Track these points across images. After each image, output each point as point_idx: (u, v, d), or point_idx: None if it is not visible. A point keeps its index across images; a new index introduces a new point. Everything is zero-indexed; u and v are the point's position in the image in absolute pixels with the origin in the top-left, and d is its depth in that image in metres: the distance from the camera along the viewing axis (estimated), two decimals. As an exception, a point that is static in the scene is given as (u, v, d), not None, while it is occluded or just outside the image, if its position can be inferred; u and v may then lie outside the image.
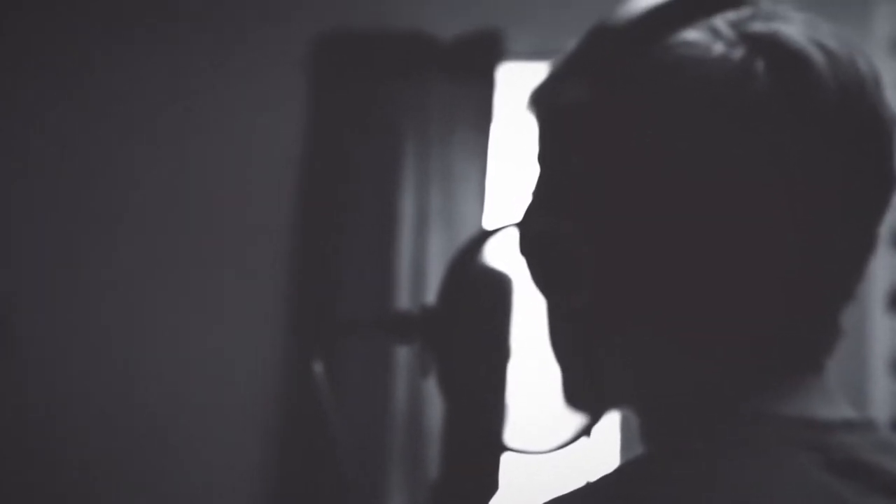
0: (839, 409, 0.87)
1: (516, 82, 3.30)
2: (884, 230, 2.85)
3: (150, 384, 3.40)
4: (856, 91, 0.83)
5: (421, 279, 3.18)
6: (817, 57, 0.82)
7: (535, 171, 0.93)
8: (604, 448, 2.83)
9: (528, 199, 0.93)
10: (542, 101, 0.92)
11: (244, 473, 3.33)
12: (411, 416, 3.14)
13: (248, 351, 3.38)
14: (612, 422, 1.08)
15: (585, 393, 0.95)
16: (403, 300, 3.16)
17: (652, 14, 0.86)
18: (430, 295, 2.11)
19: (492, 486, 1.27)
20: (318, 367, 1.40)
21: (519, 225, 0.93)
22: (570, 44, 0.92)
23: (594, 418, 1.25)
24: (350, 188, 3.32)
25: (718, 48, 0.83)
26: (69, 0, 3.57)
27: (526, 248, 0.92)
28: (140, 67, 3.54)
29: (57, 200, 3.53)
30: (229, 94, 3.49)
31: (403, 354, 3.13)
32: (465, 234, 2.39)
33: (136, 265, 3.47)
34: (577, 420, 1.25)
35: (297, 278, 3.34)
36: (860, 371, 2.99)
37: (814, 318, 0.87)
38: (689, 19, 0.85)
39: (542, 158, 0.92)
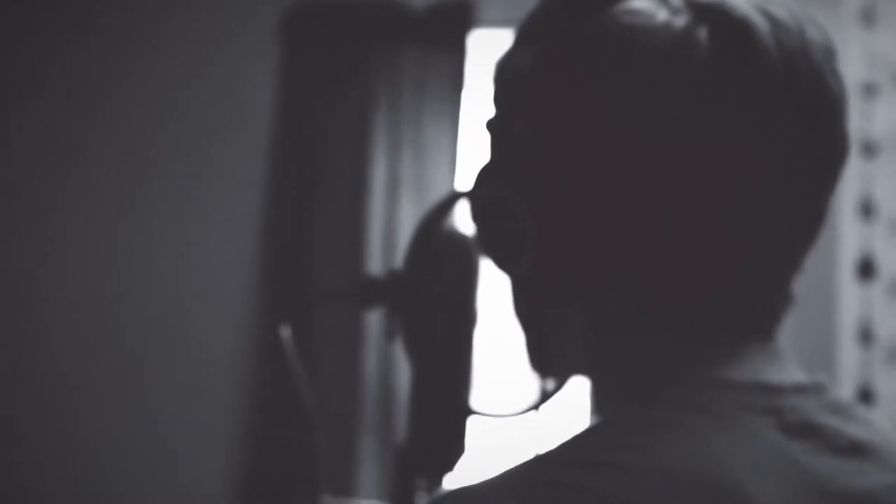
0: (790, 374, 0.87)
1: (487, 50, 3.30)
2: (851, 200, 2.85)
3: (121, 353, 3.40)
4: (801, 60, 0.83)
5: (392, 245, 3.19)
6: (761, 24, 0.82)
7: (485, 136, 0.93)
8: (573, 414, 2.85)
9: (479, 167, 0.93)
10: (497, 68, 0.93)
11: (216, 440, 3.33)
12: (382, 381, 3.15)
13: (220, 317, 3.38)
14: (581, 387, 1.08)
15: (544, 358, 0.95)
16: (375, 266, 3.17)
17: None
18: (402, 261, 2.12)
19: (458, 449, 1.28)
20: (285, 333, 1.40)
21: (469, 192, 0.93)
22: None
23: (557, 384, 1.26)
24: (322, 155, 3.32)
25: (662, 15, 0.83)
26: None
27: (476, 216, 0.93)
28: (114, 36, 3.53)
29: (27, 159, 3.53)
30: (202, 62, 3.48)
31: (375, 320, 3.14)
32: (436, 201, 2.40)
33: (105, 234, 3.46)
34: (541, 384, 1.26)
35: (269, 244, 3.34)
36: (829, 339, 3.02)
37: (760, 286, 0.87)
38: None
39: (492, 125, 0.92)
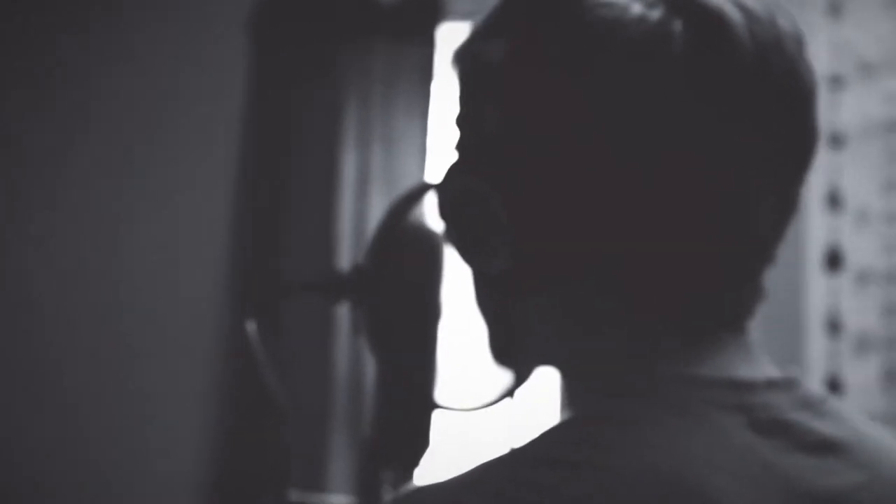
0: (761, 369, 0.87)
1: (456, 43, 3.30)
2: (819, 191, 2.85)
3: (87, 347, 3.39)
4: (775, 51, 0.83)
5: (362, 239, 3.18)
6: (735, 16, 0.83)
7: (454, 132, 0.93)
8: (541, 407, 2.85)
9: (447, 162, 0.93)
10: (462, 60, 0.92)
11: (186, 434, 3.32)
12: (354, 376, 3.15)
13: (190, 312, 3.37)
14: (548, 380, 1.08)
15: (509, 351, 0.95)
16: (344, 260, 3.16)
17: None
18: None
19: (423, 443, 1.28)
20: (251, 327, 1.40)
21: (438, 187, 0.92)
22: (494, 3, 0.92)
23: (522, 376, 1.26)
24: (292, 148, 3.31)
25: (637, 8, 0.83)
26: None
27: (445, 211, 0.92)
28: (85, 30, 3.51)
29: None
30: (172, 55, 3.46)
31: (346, 314, 3.13)
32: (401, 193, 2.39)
33: (73, 228, 3.44)
34: (506, 378, 1.26)
35: (239, 238, 3.33)
36: (796, 330, 3.03)
37: (733, 279, 0.87)
38: None
39: (461, 119, 0.92)
